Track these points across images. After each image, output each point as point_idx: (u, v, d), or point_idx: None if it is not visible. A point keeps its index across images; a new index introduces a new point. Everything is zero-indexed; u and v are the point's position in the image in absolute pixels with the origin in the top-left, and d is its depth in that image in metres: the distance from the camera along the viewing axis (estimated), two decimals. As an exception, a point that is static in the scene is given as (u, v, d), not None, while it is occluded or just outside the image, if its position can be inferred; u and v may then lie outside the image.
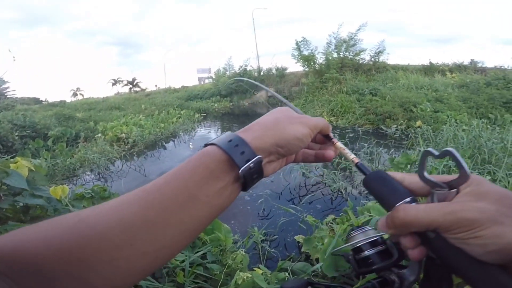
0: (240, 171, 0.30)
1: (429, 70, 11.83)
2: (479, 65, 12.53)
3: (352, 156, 0.39)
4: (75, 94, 38.65)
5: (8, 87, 21.26)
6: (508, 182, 2.53)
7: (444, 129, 4.46)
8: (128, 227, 0.26)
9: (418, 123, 5.62)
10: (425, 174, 0.30)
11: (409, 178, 0.32)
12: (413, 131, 5.23)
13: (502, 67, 11.59)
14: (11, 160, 1.15)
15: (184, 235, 0.29)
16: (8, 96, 19.67)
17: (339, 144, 0.42)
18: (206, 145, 0.34)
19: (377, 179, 0.33)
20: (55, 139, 6.50)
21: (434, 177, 0.29)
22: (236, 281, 1.20)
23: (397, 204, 0.29)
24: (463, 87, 8.41)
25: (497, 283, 0.24)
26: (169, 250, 0.28)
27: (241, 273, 1.23)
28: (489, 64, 12.72)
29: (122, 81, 40.24)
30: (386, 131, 5.98)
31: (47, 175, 4.67)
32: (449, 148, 0.27)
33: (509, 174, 2.69)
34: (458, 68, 12.05)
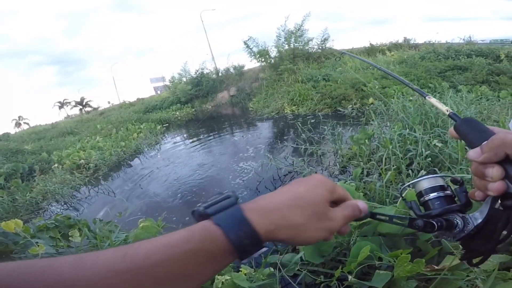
0: (242, 262, 0.33)
1: (371, 51, 12.82)
2: (412, 42, 13.91)
3: (444, 108, 0.44)
4: (18, 124, 34.85)
5: None
6: (457, 142, 2.74)
7: (393, 102, 4.88)
8: None
9: (371, 100, 6.07)
10: None
11: (500, 129, 0.35)
12: (367, 108, 5.63)
13: (431, 42, 12.96)
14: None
15: None
16: None
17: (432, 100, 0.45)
18: (201, 214, 0.32)
19: (469, 123, 0.37)
20: (7, 176, 5.99)
21: None
22: (216, 285, 1.19)
23: (496, 132, 0.33)
24: (402, 63, 9.24)
25: None
26: None
27: (219, 277, 1.22)
28: (419, 40, 14.13)
29: (69, 102, 37.13)
30: (344, 112, 6.36)
31: (9, 212, 4.32)
32: None
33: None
34: (395, 46, 13.26)
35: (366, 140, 3.23)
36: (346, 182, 2.31)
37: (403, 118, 4.18)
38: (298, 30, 12.39)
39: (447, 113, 0.42)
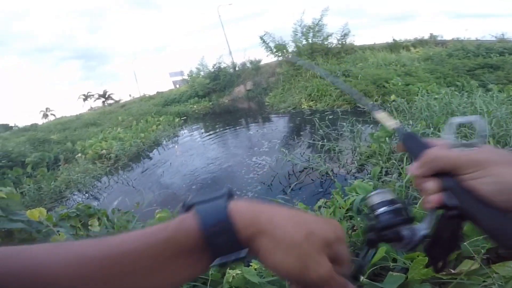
0: (213, 263, 0.28)
1: (394, 47, 12.29)
2: (438, 38, 13.21)
3: (389, 123, 0.45)
4: (45, 115, 36.76)
5: (-31, 118, 19.92)
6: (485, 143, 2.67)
7: (417, 100, 4.67)
8: (84, 282, 0.25)
9: (393, 97, 5.84)
10: (449, 137, 0.36)
11: (437, 142, 0.37)
12: (388, 105, 5.43)
13: (459, 39, 12.25)
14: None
15: None
16: (-29, 128, 18.44)
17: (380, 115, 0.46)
18: (189, 206, 0.30)
19: (410, 137, 0.39)
20: (34, 165, 6.31)
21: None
22: (227, 279, 1.21)
23: (428, 149, 0.35)
24: (427, 60, 8.80)
25: (502, 222, 0.28)
26: None
27: (230, 271, 1.23)
28: (447, 37, 13.41)
29: (93, 95, 38.64)
30: (364, 108, 6.17)
31: (34, 200, 4.58)
32: (474, 116, 0.34)
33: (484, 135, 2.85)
34: (420, 43, 12.64)
35: (387, 138, 3.12)
36: (364, 181, 2.24)
37: (427, 117, 4.00)
38: (316, 25, 12.13)
39: (391, 127, 0.44)
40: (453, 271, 1.05)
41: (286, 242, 0.27)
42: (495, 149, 0.32)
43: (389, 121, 0.45)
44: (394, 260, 1.20)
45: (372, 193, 0.39)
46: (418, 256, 1.08)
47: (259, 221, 0.27)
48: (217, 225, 0.27)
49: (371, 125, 4.71)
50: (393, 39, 13.12)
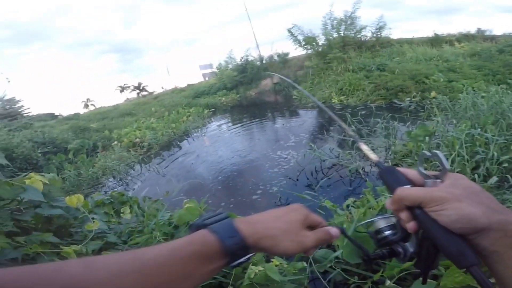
0: (231, 265, 0.38)
1: (436, 41, 11.35)
2: (487, 33, 11.95)
3: (372, 156, 0.52)
4: (86, 105, 39.51)
5: (22, 106, 22.04)
6: None
7: (461, 98, 4.28)
8: None
9: (433, 93, 5.42)
10: (420, 169, 0.42)
11: (411, 173, 0.43)
12: (428, 102, 5.06)
13: (511, 34, 10.97)
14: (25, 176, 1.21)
15: None
16: (24, 115, 20.40)
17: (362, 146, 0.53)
18: (198, 226, 0.39)
19: (387, 172, 0.45)
20: (75, 152, 6.78)
21: (428, 172, 0.41)
22: (249, 275, 1.21)
23: (397, 188, 0.40)
24: (474, 56, 8.03)
25: (456, 246, 0.33)
26: None
27: (253, 267, 1.23)
28: (496, 32, 12.09)
29: (128, 87, 40.79)
30: (400, 104, 5.81)
31: (74, 186, 4.94)
32: (436, 151, 0.39)
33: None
34: (466, 37, 11.54)
35: (426, 137, 2.90)
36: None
37: (473, 116, 3.65)
38: (349, 18, 11.53)
39: (374, 160, 0.51)
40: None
41: (279, 236, 0.39)
42: (457, 181, 0.37)
43: (371, 154, 0.51)
44: None
45: (377, 218, 0.47)
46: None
47: (258, 230, 0.39)
48: (232, 238, 0.36)
49: (408, 123, 4.42)
50: (435, 33, 12.13)
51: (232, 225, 0.38)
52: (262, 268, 1.25)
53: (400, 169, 0.44)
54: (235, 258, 0.37)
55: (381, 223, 0.45)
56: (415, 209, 0.38)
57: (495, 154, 2.38)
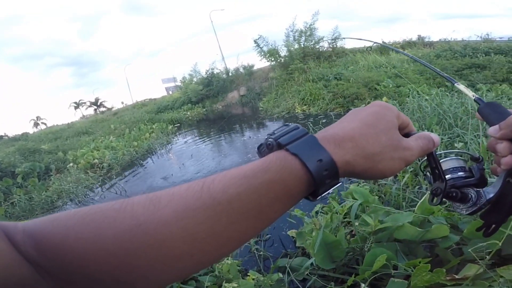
0: (318, 198, 0.29)
1: (384, 49, 12.49)
2: (426, 39, 13.50)
3: (470, 93, 0.49)
4: (36, 124, 36.06)
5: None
6: (478, 144, 2.59)
7: (408, 101, 4.72)
8: (191, 238, 0.24)
9: (384, 99, 5.89)
10: None
11: None
12: (381, 108, 5.47)
13: (446, 40, 12.54)
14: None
15: (240, 245, 0.27)
16: (-41, 139, 17.98)
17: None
18: (272, 145, 0.30)
19: (491, 106, 0.42)
20: (25, 175, 6.17)
21: None
22: None
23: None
24: (416, 61, 8.92)
25: None
26: (221, 258, 0.27)
27: (226, 284, 1.20)
28: (434, 38, 13.71)
29: (84, 103, 38.14)
30: (356, 112, 6.21)
31: (26, 211, 4.44)
32: None
33: (477, 135, 2.86)
34: (408, 44, 12.89)
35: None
36: (360, 185, 2.24)
37: (419, 118, 4.03)
38: (308, 29, 12.29)
39: (473, 97, 0.48)
40: (456, 277, 1.03)
41: (376, 154, 0.29)
42: None
43: (469, 92, 0.49)
44: (395, 268, 1.18)
45: (446, 158, 0.41)
46: (420, 263, 1.07)
47: (348, 149, 0.29)
48: (319, 161, 0.27)
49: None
50: (383, 41, 13.37)
51: (318, 144, 0.28)
52: (236, 285, 1.23)
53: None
54: (322, 187, 0.28)
55: (453, 162, 0.40)
56: None
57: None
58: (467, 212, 0.38)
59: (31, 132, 21.17)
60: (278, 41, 12.97)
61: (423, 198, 1.36)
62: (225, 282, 1.24)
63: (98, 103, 37.32)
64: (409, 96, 5.13)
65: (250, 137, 6.86)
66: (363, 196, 1.61)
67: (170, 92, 24.07)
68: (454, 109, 3.75)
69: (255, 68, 15.04)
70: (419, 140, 0.33)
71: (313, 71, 10.29)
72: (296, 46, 12.35)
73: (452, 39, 12.46)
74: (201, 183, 0.26)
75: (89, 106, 37.91)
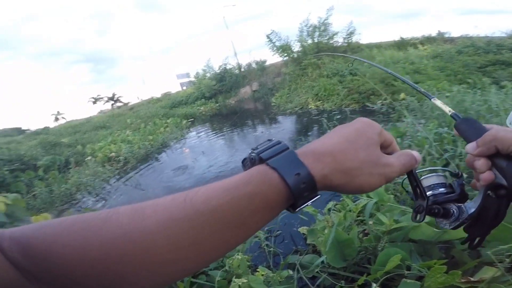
0: (297, 210, 0.30)
1: (401, 44, 12.05)
2: (447, 35, 12.90)
3: (447, 109, 0.48)
4: (56, 119, 37.46)
5: (-16, 121, 20.55)
6: None
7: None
8: (175, 247, 0.25)
9: (402, 95, 5.72)
10: (510, 125, 0.39)
11: (497, 126, 0.39)
12: (398, 104, 5.32)
13: (468, 36, 11.94)
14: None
15: (224, 253, 0.29)
16: (-13, 131, 19.00)
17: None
18: (254, 160, 0.31)
19: (467, 122, 0.42)
20: (46, 168, 6.43)
21: None
22: None
23: (490, 129, 0.37)
24: (436, 57, 8.59)
25: None
26: (206, 265, 0.29)
27: (236, 280, 1.20)
28: (455, 34, 13.07)
29: (102, 98, 39.25)
30: (373, 107, 6.07)
31: (46, 203, 4.64)
32: None
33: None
34: (428, 40, 12.35)
35: (398, 138, 3.04)
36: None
37: (439, 115, 3.89)
38: (322, 24, 12.05)
39: (449, 113, 0.47)
40: (471, 279, 0.99)
41: (354, 169, 0.30)
42: None
43: (446, 108, 0.49)
44: (408, 268, 1.15)
45: (427, 176, 0.41)
46: (435, 264, 1.03)
47: (327, 163, 0.30)
48: (297, 174, 0.28)
49: (381, 125, 4.62)
50: (401, 37, 12.91)
51: (296, 159, 0.29)
52: (245, 281, 1.23)
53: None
54: (301, 200, 0.29)
55: (434, 179, 0.40)
56: (500, 157, 0.34)
57: (462, 150, 2.54)
58: (451, 227, 0.39)
59: (51, 126, 22.05)
60: (292, 37, 12.82)
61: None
62: (235, 277, 1.25)
63: (115, 98, 38.31)
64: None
65: (262, 132, 6.86)
66: (378, 194, 1.58)
67: (184, 88, 24.34)
68: (476, 106, 3.59)
69: (267, 63, 14.97)
70: (400, 157, 0.34)
71: (327, 66, 10.11)
72: (310, 41, 12.15)
73: (475, 35, 11.86)
74: (184, 195, 0.28)
75: (106, 101, 38.99)
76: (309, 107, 7.92)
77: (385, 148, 0.35)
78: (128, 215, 0.26)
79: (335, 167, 0.30)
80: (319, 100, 7.98)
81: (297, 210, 0.30)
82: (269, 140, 0.33)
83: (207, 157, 5.48)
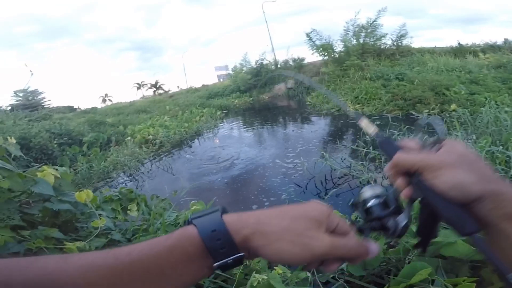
0: (215, 265, 0.30)
1: (459, 51, 10.95)
2: None
3: (371, 129, 0.49)
4: (104, 100, 40.64)
5: (44, 97, 22.93)
6: None
7: (483, 112, 4.10)
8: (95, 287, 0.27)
9: (453, 106, 5.23)
10: (417, 138, 0.44)
11: (409, 143, 0.42)
12: (448, 115, 4.88)
13: None
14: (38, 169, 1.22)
15: None
16: (45, 106, 21.22)
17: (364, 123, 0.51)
18: (188, 221, 0.33)
19: (386, 142, 0.44)
20: (89, 145, 6.93)
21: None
22: (251, 283, 1.18)
23: (396, 154, 0.40)
24: (499, 68, 7.71)
25: (455, 213, 0.33)
26: None
27: (256, 275, 1.19)
28: None
29: (146, 84, 41.66)
30: (418, 116, 5.63)
31: (85, 179, 5.04)
32: (433, 117, 0.38)
33: None
34: (491, 48, 11.05)
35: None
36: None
37: (494, 132, 3.48)
38: (371, 25, 11.38)
39: (373, 134, 0.49)
40: None
41: (275, 233, 0.31)
42: (453, 148, 0.36)
43: (370, 128, 0.49)
44: (433, 282, 1.07)
45: (364, 189, 0.43)
46: (463, 281, 0.97)
47: (248, 224, 0.31)
48: (214, 231, 0.30)
49: (426, 136, 4.28)
50: (458, 43, 11.76)
51: (217, 218, 0.32)
52: (265, 277, 1.22)
53: (400, 140, 0.44)
54: (220, 258, 0.30)
55: (366, 192, 0.42)
56: (412, 176, 0.37)
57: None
58: (393, 238, 0.44)
59: (99, 107, 23.88)
60: (335, 36, 12.29)
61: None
62: (255, 273, 1.23)
63: (157, 86, 40.43)
64: (485, 105, 4.44)
65: (293, 130, 6.74)
66: (415, 206, 1.46)
67: (221, 80, 24.85)
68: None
69: (305, 61, 14.63)
70: (341, 240, 0.33)
71: (371, 69, 9.60)
72: (354, 42, 11.57)
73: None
74: (113, 249, 0.30)
75: (149, 88, 41.29)
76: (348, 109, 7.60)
77: (339, 235, 0.34)
78: (55, 259, 0.29)
79: (256, 228, 0.31)
80: (359, 103, 7.61)
81: (215, 266, 0.30)
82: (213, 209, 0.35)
83: (235, 151, 5.53)
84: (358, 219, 0.44)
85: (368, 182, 3.07)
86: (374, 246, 0.36)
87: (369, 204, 0.41)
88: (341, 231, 0.35)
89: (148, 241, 0.31)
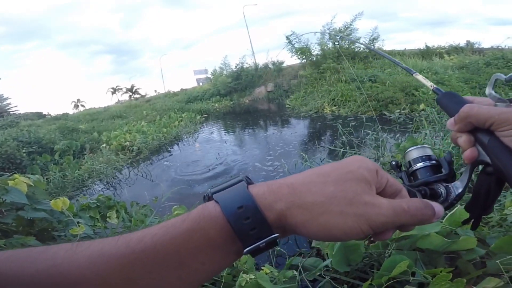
0: (245, 250, 0.25)
1: (426, 53, 11.71)
2: (476, 46, 12.40)
3: (429, 84, 0.47)
4: (76, 106, 38.84)
5: (9, 103, 21.53)
6: None
7: (448, 110, 4.40)
8: (103, 282, 0.24)
9: (422, 106, 5.56)
10: (492, 91, 0.35)
11: (479, 99, 0.36)
12: (417, 115, 5.17)
13: (499, 47, 11.40)
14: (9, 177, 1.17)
15: None
16: (11, 113, 19.89)
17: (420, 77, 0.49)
18: (209, 197, 0.28)
19: (448, 96, 0.40)
20: (62, 153, 6.60)
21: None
22: (240, 283, 1.18)
23: (466, 105, 0.34)
24: (462, 68, 8.30)
25: None
26: None
27: (244, 275, 1.21)
28: (485, 44, 12.56)
29: (121, 89, 40.36)
30: (390, 116, 5.92)
31: (58, 188, 4.77)
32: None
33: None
34: (455, 50, 11.93)
35: (414, 149, 2.95)
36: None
37: (459, 129, 3.75)
38: (347, 29, 11.84)
39: (431, 88, 0.46)
40: None
41: (318, 204, 0.24)
42: None
43: (428, 83, 0.47)
44: (413, 274, 1.14)
45: (411, 148, 0.39)
46: (441, 272, 1.03)
47: (282, 196, 0.25)
48: (240, 208, 0.25)
49: (398, 135, 4.50)
50: (426, 45, 12.53)
51: (243, 191, 0.26)
52: (253, 277, 1.24)
53: (465, 97, 0.38)
54: (250, 242, 0.25)
55: (413, 153, 0.38)
56: (479, 133, 0.32)
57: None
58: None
59: (71, 113, 22.80)
60: (312, 39, 12.62)
61: (453, 210, 1.29)
62: (242, 273, 1.25)
63: (133, 90, 39.24)
64: (449, 104, 4.77)
65: (273, 133, 6.83)
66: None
67: (201, 84, 24.63)
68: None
69: (284, 65, 14.91)
70: (398, 203, 0.26)
71: (346, 72, 9.96)
72: (330, 45, 11.99)
73: (507, 47, 11.32)
74: (124, 235, 0.26)
75: (125, 92, 40.00)
76: (325, 111, 7.82)
77: (389, 195, 0.28)
78: (65, 249, 0.25)
79: (293, 201, 0.25)
80: (335, 105, 7.87)
81: (245, 252, 0.25)
82: (233, 177, 0.30)
83: (217, 155, 5.51)
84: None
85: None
86: (439, 206, 0.27)
87: (417, 166, 0.37)
88: (392, 190, 0.28)
89: (162, 223, 0.26)
